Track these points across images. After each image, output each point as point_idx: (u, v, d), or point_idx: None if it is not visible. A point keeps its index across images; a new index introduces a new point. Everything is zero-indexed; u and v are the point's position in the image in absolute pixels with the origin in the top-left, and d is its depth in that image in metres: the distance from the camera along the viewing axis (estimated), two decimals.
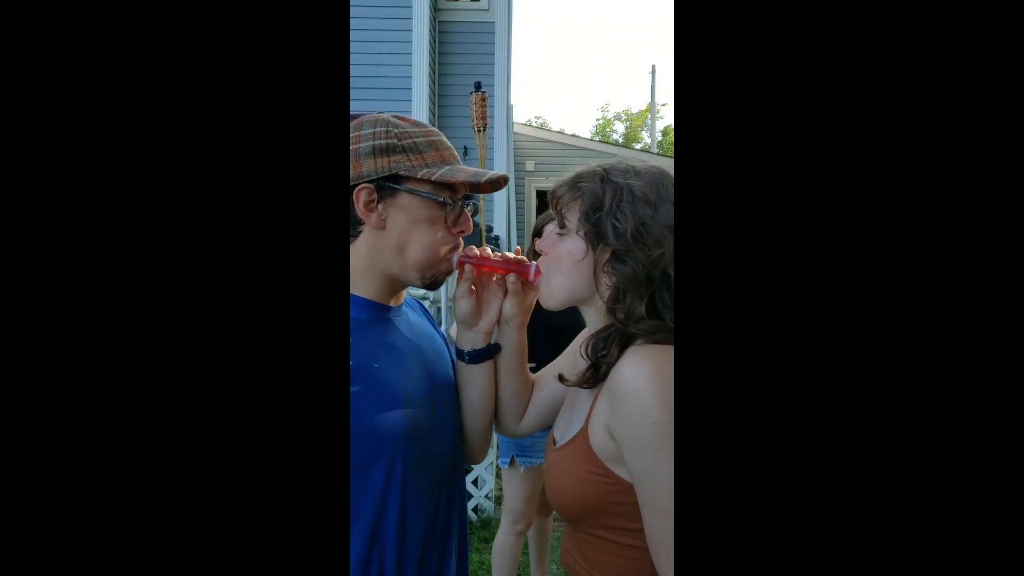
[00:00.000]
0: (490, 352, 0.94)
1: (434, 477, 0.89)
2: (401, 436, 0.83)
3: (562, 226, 0.88)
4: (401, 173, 0.85)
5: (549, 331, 2.35)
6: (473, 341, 0.93)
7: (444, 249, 0.89)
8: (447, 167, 0.86)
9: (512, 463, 2.22)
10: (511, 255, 0.93)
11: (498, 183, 0.89)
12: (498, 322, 0.94)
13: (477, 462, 1.13)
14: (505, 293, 0.91)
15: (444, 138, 0.90)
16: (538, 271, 0.89)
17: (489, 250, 0.92)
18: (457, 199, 0.88)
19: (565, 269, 0.86)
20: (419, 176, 0.85)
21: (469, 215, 0.92)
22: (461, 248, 0.92)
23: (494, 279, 0.93)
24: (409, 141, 0.86)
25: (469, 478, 3.18)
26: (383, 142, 0.85)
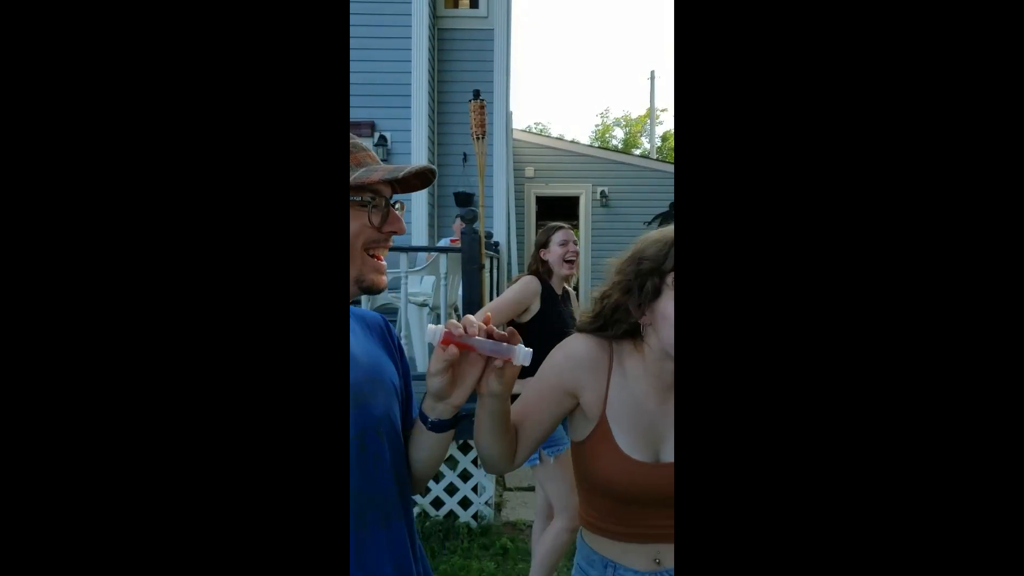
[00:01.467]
0: (455, 422, 0.91)
1: (374, 515, 0.85)
2: None
3: None
4: None
5: (554, 335, 2.37)
6: (441, 412, 0.89)
7: (375, 250, 0.86)
8: (363, 169, 0.85)
9: (542, 459, 2.19)
10: (497, 331, 0.86)
11: (423, 175, 0.86)
12: (478, 391, 0.89)
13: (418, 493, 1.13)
14: (485, 366, 0.86)
15: (359, 141, 0.88)
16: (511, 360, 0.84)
17: (476, 325, 0.85)
18: (381, 199, 0.86)
19: None
20: None
21: (399, 214, 0.89)
22: (390, 246, 0.88)
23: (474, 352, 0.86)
24: None
25: (469, 484, 3.18)
26: None
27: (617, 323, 1.02)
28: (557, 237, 2.36)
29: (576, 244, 2.39)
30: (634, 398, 1.01)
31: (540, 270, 2.35)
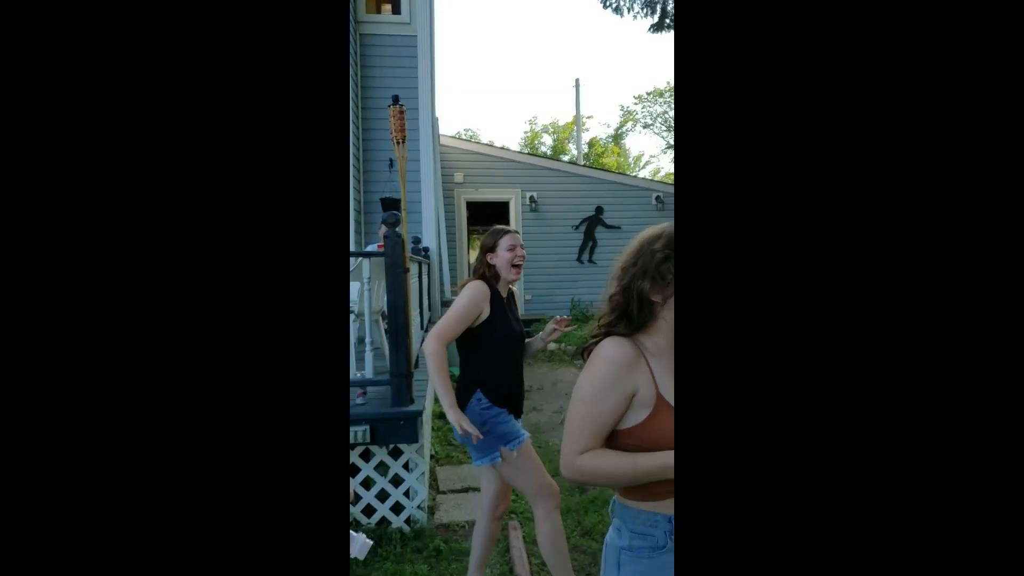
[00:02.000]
0: None
1: None
2: None
3: None
4: None
5: (503, 339, 2.33)
6: None
7: None
8: None
9: (504, 456, 2.16)
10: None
11: None
12: None
13: None
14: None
15: None
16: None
17: None
18: None
19: None
20: None
21: None
22: None
23: None
24: None
25: (400, 489, 3.17)
26: None
27: (643, 313, 1.11)
28: (505, 241, 2.29)
29: (523, 248, 2.33)
30: (671, 367, 1.11)
31: (487, 274, 2.28)
